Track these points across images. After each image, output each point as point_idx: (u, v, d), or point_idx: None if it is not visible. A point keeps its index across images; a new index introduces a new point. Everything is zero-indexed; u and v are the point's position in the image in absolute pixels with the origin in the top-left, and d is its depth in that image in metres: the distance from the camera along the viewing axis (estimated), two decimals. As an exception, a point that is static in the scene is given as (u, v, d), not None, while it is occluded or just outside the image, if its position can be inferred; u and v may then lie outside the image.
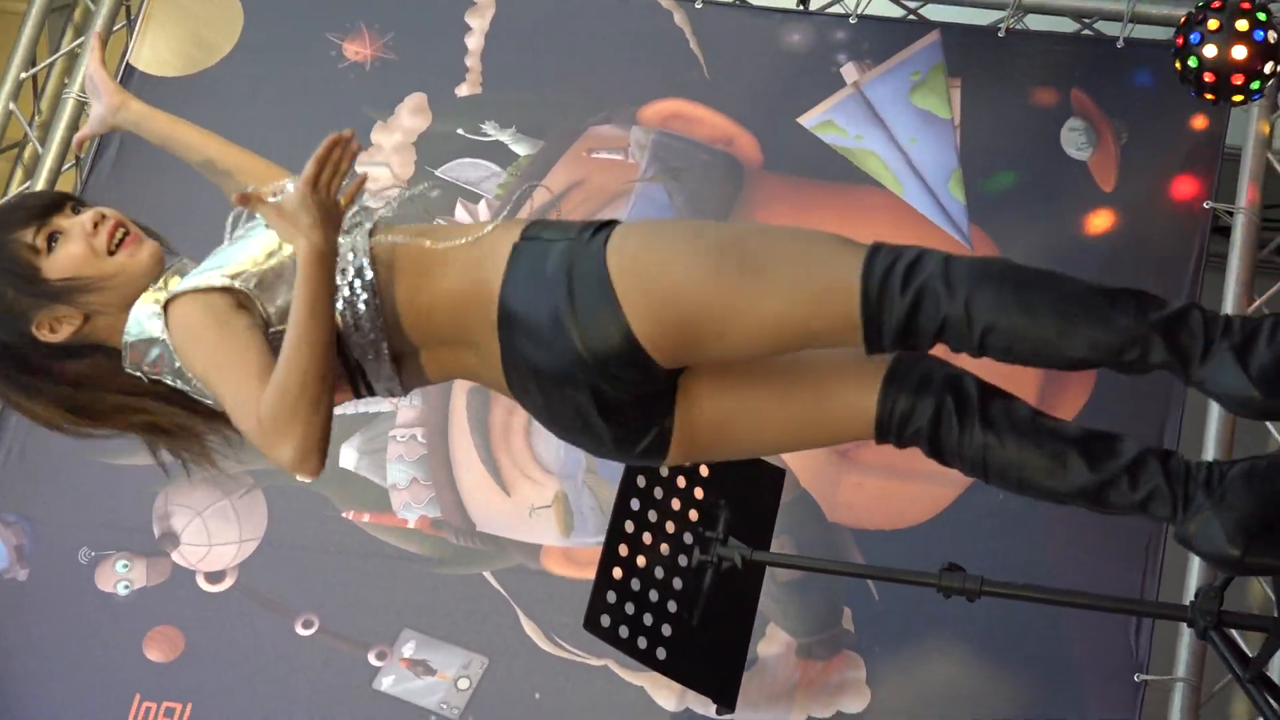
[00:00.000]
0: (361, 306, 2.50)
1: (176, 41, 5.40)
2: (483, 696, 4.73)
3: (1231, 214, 4.80)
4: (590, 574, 3.57)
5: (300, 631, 4.82)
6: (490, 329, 2.52)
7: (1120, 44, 5.03)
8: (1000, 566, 3.86)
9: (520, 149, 5.24)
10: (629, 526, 3.56)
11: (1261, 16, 4.29)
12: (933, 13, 5.29)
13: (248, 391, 2.42)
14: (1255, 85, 4.32)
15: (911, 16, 5.29)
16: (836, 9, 5.30)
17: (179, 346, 2.50)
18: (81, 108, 5.38)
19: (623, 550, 3.55)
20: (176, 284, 2.55)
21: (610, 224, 2.53)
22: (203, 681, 4.81)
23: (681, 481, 3.57)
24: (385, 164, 5.16)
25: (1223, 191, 4.84)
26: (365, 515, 4.92)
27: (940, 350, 2.47)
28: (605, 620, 3.53)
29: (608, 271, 2.45)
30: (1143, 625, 4.48)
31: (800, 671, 4.65)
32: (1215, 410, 4.60)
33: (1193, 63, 4.31)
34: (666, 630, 3.59)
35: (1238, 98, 4.35)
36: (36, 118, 5.56)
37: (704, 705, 4.32)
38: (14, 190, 5.51)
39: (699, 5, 5.27)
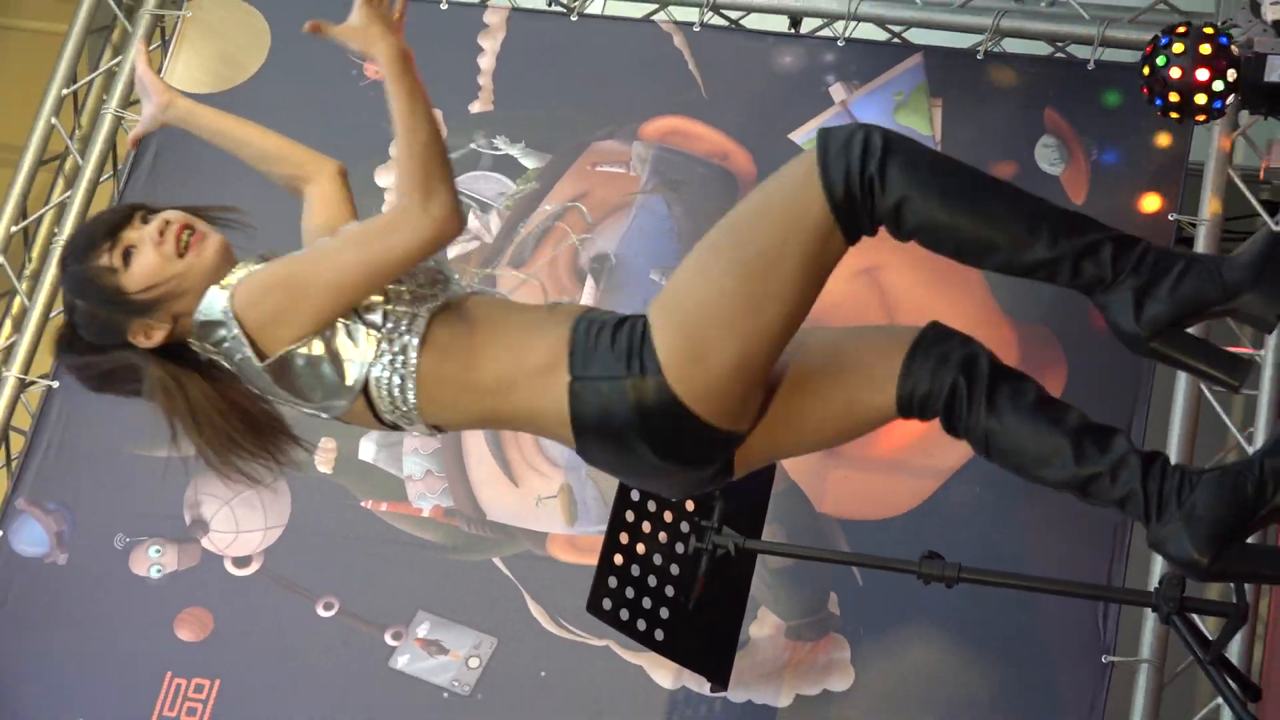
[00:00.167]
0: (396, 390, 2.58)
1: (208, 60, 5.47)
2: (492, 675, 4.77)
3: (1195, 225, 4.80)
4: (593, 560, 3.66)
5: (321, 613, 4.88)
6: (567, 441, 2.60)
7: (1091, 66, 5.01)
8: (977, 554, 3.86)
9: (529, 162, 5.28)
10: (629, 516, 3.64)
11: (1223, 41, 4.37)
12: (916, 36, 5.27)
13: (361, 226, 2.54)
14: (1217, 105, 4.38)
15: (896, 40, 5.28)
16: (826, 32, 5.34)
17: (261, 286, 2.54)
18: (119, 123, 5.48)
19: (623, 538, 3.63)
20: (244, 271, 2.62)
21: (645, 339, 2.52)
22: (230, 659, 4.86)
23: (679, 474, 3.70)
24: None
25: (1187, 204, 4.86)
26: (383, 505, 4.98)
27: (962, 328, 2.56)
28: (607, 604, 3.61)
29: (679, 401, 2.50)
30: (1110, 610, 4.49)
31: (789, 652, 4.68)
32: (1180, 406, 4.68)
33: (1159, 84, 4.37)
34: (664, 613, 3.67)
35: (1200, 116, 4.42)
36: (77, 131, 5.59)
37: (699, 683, 4.59)
38: (56, 198, 5.62)
39: (697, 29, 5.30)
